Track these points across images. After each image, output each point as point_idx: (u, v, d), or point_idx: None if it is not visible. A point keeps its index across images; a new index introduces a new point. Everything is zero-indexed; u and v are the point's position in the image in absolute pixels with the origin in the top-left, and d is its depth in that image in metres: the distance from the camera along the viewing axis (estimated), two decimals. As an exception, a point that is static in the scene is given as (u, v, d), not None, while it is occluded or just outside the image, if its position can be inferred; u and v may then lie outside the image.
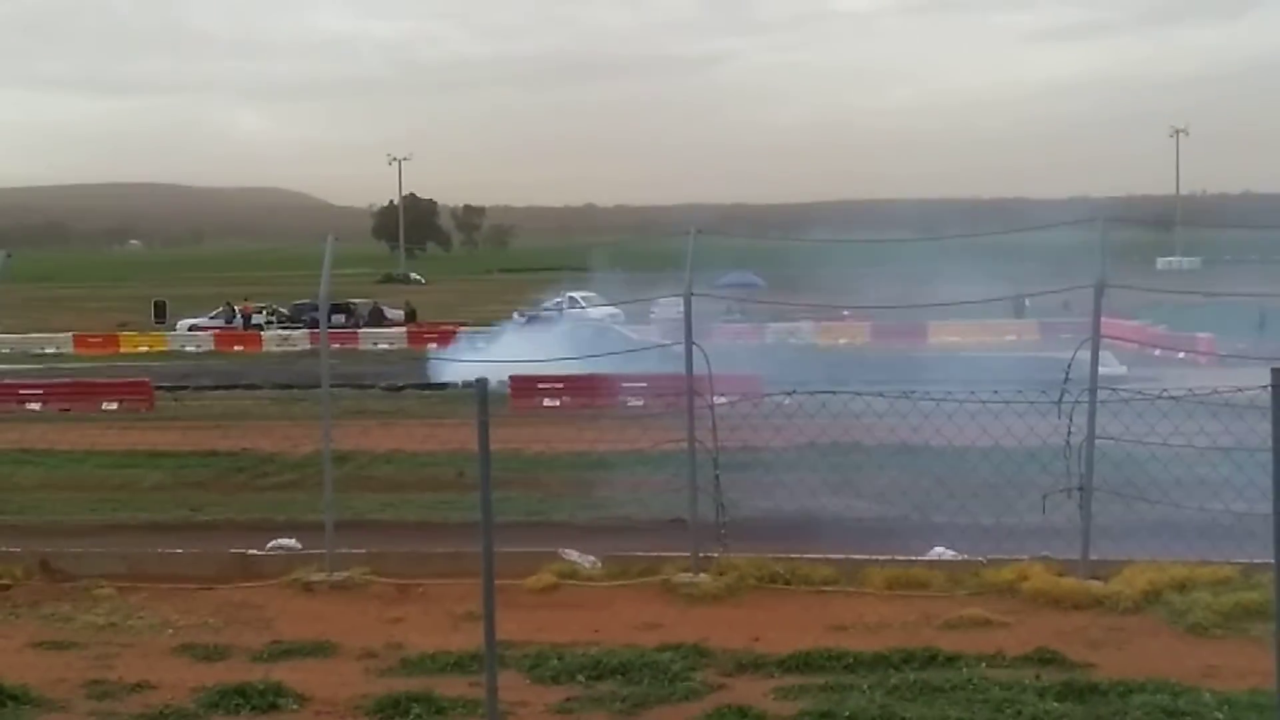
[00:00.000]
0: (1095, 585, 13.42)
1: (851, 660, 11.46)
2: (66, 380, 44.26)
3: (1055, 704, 10.15)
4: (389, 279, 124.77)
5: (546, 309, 64.65)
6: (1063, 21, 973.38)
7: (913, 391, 15.11)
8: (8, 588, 14.83)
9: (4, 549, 16.05)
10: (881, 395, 14.89)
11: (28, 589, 14.82)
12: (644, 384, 33.13)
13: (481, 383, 8.20)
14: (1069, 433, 14.00)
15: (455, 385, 39.74)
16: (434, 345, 58.40)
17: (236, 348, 66.34)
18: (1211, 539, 14.52)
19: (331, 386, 16.82)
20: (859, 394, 14.69)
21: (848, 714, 9.98)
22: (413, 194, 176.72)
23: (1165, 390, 15.45)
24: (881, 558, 14.70)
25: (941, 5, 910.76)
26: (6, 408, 38.37)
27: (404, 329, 71.27)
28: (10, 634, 13.24)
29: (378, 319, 76.24)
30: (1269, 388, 7.30)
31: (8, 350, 64.46)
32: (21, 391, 41.19)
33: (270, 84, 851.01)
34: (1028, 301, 57.75)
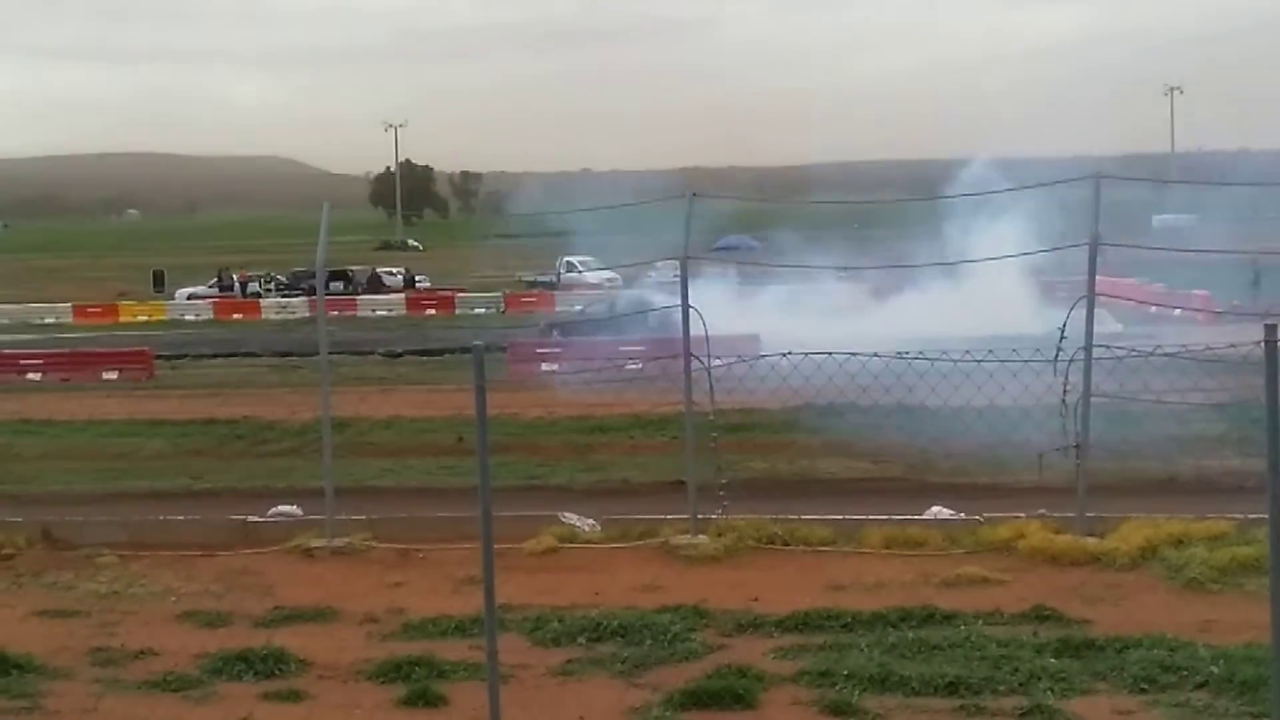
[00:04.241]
0: (1091, 542, 13.48)
1: (850, 619, 11.53)
2: (66, 350, 44.21)
3: (1053, 660, 10.24)
4: (386, 246, 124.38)
5: None
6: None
7: (907, 352, 15.12)
8: (10, 557, 14.90)
9: (6, 519, 16.16)
10: (877, 355, 14.90)
11: (30, 558, 14.89)
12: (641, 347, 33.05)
13: (478, 348, 8.19)
14: (1064, 391, 14.04)
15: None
16: (432, 311, 58.45)
17: (235, 316, 66.28)
18: (1207, 495, 14.57)
19: (330, 354, 16.84)
20: (854, 354, 14.67)
21: (846, 673, 10.04)
22: (409, 161, 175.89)
23: (1159, 347, 15.47)
24: (879, 517, 14.78)
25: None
26: (6, 378, 38.38)
27: (402, 295, 71.19)
28: (13, 603, 13.33)
29: (376, 286, 76.19)
30: (1263, 343, 7.27)
31: (7, 321, 64.46)
32: (21, 362, 41.12)
33: (268, 52, 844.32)
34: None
